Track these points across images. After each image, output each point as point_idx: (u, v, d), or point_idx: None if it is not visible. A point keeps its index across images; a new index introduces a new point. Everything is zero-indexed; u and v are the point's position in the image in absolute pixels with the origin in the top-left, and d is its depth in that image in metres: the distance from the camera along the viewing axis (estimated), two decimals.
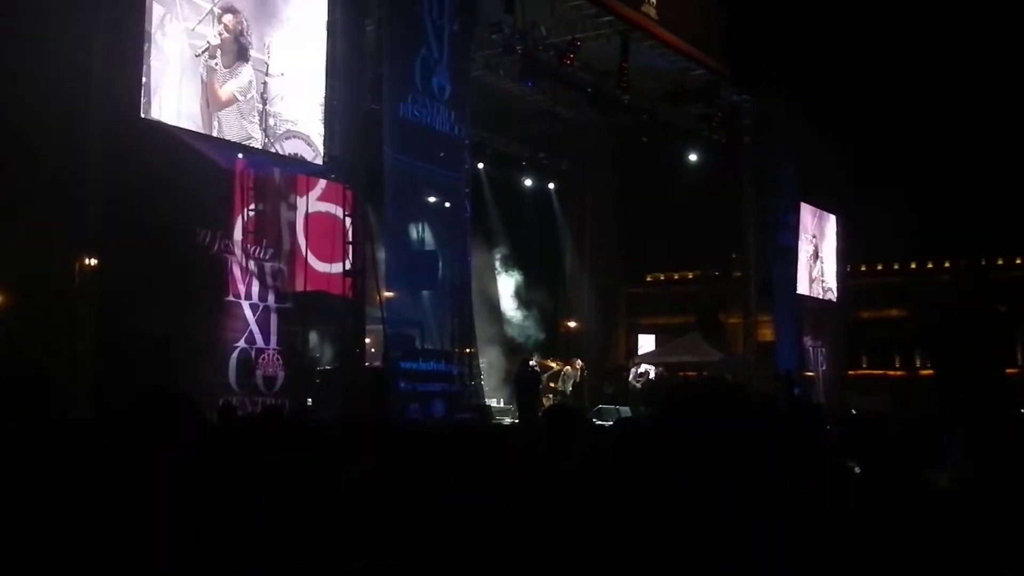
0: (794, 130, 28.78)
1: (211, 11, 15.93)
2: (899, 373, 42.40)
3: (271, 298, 17.21)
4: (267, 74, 16.89)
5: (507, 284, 29.25)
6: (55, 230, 14.72)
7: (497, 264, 29.06)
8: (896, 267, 43.25)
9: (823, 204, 31.97)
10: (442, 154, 19.38)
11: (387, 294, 18.51)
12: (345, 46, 18.15)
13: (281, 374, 17.12)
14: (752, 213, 29.63)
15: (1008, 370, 34.78)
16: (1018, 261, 40.98)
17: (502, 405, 23.13)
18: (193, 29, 15.67)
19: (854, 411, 18.81)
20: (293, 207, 18.19)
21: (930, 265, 42.52)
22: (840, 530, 2.86)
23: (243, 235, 16.91)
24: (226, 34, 16.26)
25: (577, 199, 31.41)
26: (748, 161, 29.42)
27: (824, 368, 31.51)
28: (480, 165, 26.46)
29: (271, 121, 17.01)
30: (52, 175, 14.45)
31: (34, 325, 14.20)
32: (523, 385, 21.68)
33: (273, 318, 17.22)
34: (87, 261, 15.20)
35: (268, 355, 17.01)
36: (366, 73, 18.66)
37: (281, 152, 17.30)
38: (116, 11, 14.84)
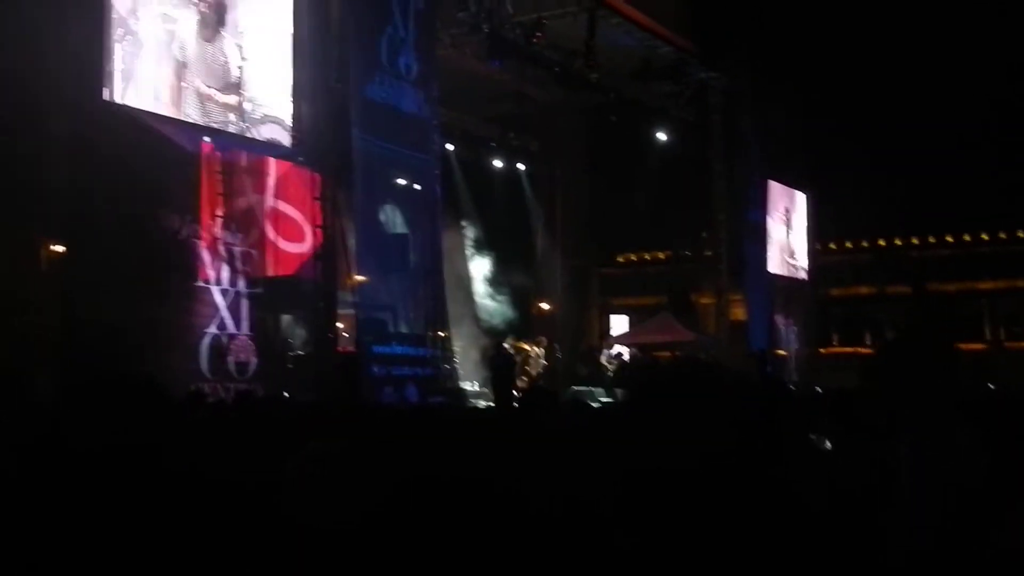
0: (762, 107, 28.78)
1: None
2: (868, 350, 42.61)
3: (241, 283, 17.03)
4: (242, 57, 16.70)
5: (479, 266, 29.13)
6: (19, 216, 14.48)
7: (468, 246, 28.94)
8: (865, 244, 43.39)
9: (792, 182, 32.01)
10: (411, 135, 19.20)
11: (358, 278, 18.35)
12: (311, 25, 17.95)
13: (254, 360, 16.96)
14: (722, 192, 29.69)
15: (975, 346, 35.06)
16: (984, 237, 41.27)
17: (477, 388, 23.03)
18: (166, 13, 15.46)
19: (819, 389, 18.95)
20: (261, 191, 17.98)
21: (898, 242, 42.71)
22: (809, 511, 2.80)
23: (211, 219, 16.71)
24: (200, 17, 16.07)
25: (547, 179, 31.31)
26: (716, 139, 29.44)
27: (796, 346, 31.62)
28: (449, 146, 26.29)
29: (247, 106, 16.83)
30: (14, 161, 14.19)
31: None
32: (498, 368, 21.61)
33: (244, 303, 17.04)
34: (52, 247, 14.97)
35: (239, 341, 16.84)
36: (332, 53, 18.45)
37: (258, 137, 17.14)
38: None
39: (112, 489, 3.20)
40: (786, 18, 29.22)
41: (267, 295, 17.55)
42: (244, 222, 17.41)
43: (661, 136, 29.02)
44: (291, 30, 17.69)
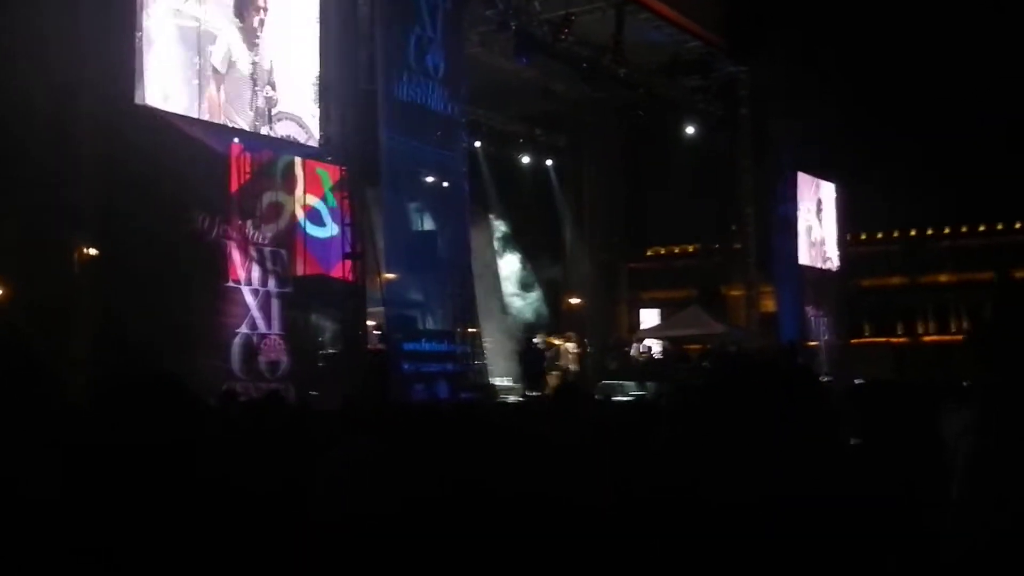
0: (790, 100, 28.65)
1: None
2: (902, 340, 42.33)
3: (271, 282, 17.16)
4: (259, 55, 16.80)
5: (508, 262, 29.19)
6: (53, 219, 14.65)
7: (497, 243, 28.98)
8: (896, 235, 43.07)
9: (821, 173, 31.85)
10: (438, 133, 19.27)
11: (387, 276, 18.43)
12: (338, 24, 18.05)
13: (284, 359, 17.08)
14: (750, 184, 29.60)
15: None
16: (1017, 226, 40.90)
17: (507, 384, 23.08)
18: (179, 9, 15.55)
19: (857, 381, 18.84)
20: (290, 190, 18.11)
21: (930, 232, 42.37)
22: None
23: (241, 220, 16.85)
24: (216, 14, 16.16)
25: (575, 175, 31.29)
26: (745, 132, 29.34)
27: (827, 337, 31.48)
28: (477, 143, 26.36)
29: (262, 103, 16.93)
30: (48, 164, 14.37)
31: (33, 315, 14.13)
32: (528, 363, 21.66)
33: (274, 303, 17.16)
34: (85, 250, 15.13)
35: (270, 340, 16.97)
36: (359, 52, 18.54)
37: (273, 135, 17.23)
38: None
39: (145, 491, 3.27)
40: (814, 9, 29.03)
41: (297, 294, 17.66)
42: (273, 221, 17.53)
43: (689, 130, 28.99)
44: (316, 28, 17.77)
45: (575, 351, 25.51)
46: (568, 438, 5.24)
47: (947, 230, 42.24)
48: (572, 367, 25.08)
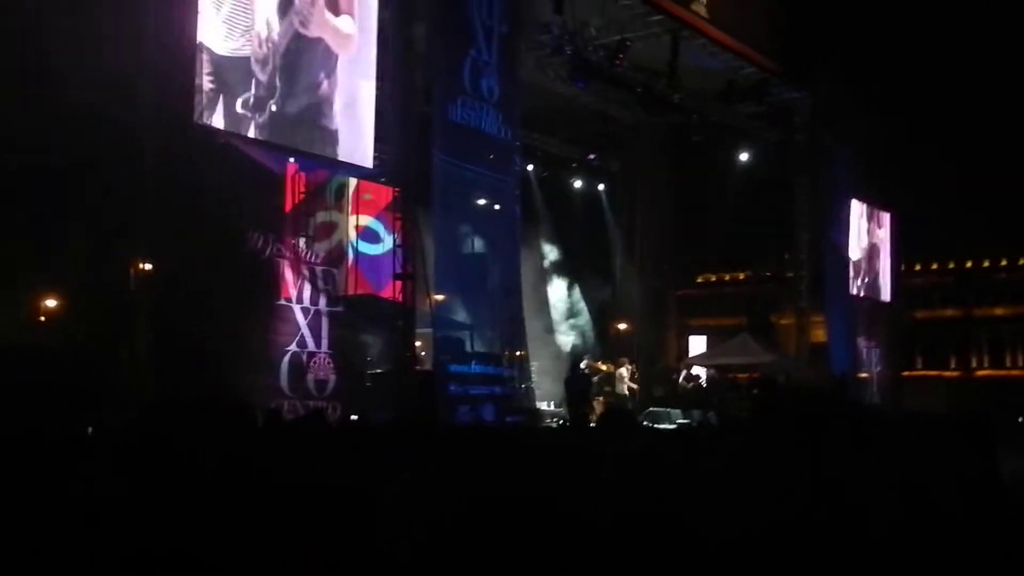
0: (847, 127, 28.46)
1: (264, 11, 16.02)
2: (955, 374, 41.79)
3: (322, 301, 17.29)
4: (319, 76, 16.95)
5: (557, 286, 29.20)
6: (111, 235, 14.89)
7: (547, 266, 29.00)
8: (951, 266, 42.58)
9: (877, 202, 31.55)
10: (491, 156, 19.32)
11: (437, 297, 18.49)
12: (394, 47, 18.19)
13: (332, 378, 17.18)
14: (804, 212, 29.38)
15: None
16: None
17: (553, 408, 23.06)
18: (255, 36, 15.71)
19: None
20: (343, 210, 18.26)
21: (986, 264, 41.84)
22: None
23: (294, 239, 17.01)
24: (289, 39, 16.32)
25: (627, 200, 31.22)
26: (800, 159, 29.16)
27: (879, 369, 31.12)
28: (529, 167, 26.43)
29: (323, 122, 17.06)
30: (107, 180, 14.61)
31: (91, 329, 14.37)
32: (574, 388, 21.60)
33: (324, 321, 17.29)
34: (142, 265, 15.35)
35: (319, 359, 17.08)
36: (415, 75, 18.68)
37: (330, 156, 17.36)
38: (166, 15, 14.92)
39: (198, 503, 3.33)
40: (873, 37, 28.89)
41: (347, 313, 17.78)
42: (325, 240, 17.68)
43: (743, 156, 28.87)
44: (374, 50, 17.91)
45: (630, 376, 25.43)
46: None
47: (1004, 262, 41.70)
48: (626, 392, 25.01)
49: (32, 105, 14.11)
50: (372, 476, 4.57)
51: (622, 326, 30.67)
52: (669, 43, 23.56)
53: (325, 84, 17.08)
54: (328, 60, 17.14)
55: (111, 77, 13.80)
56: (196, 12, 14.87)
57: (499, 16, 19.19)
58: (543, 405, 22.28)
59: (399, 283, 18.07)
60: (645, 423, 19.45)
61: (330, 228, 17.88)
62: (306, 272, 17.08)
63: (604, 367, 25.92)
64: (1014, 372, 40.78)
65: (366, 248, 18.56)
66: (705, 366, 29.53)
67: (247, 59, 15.74)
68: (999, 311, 41.98)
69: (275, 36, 16.20)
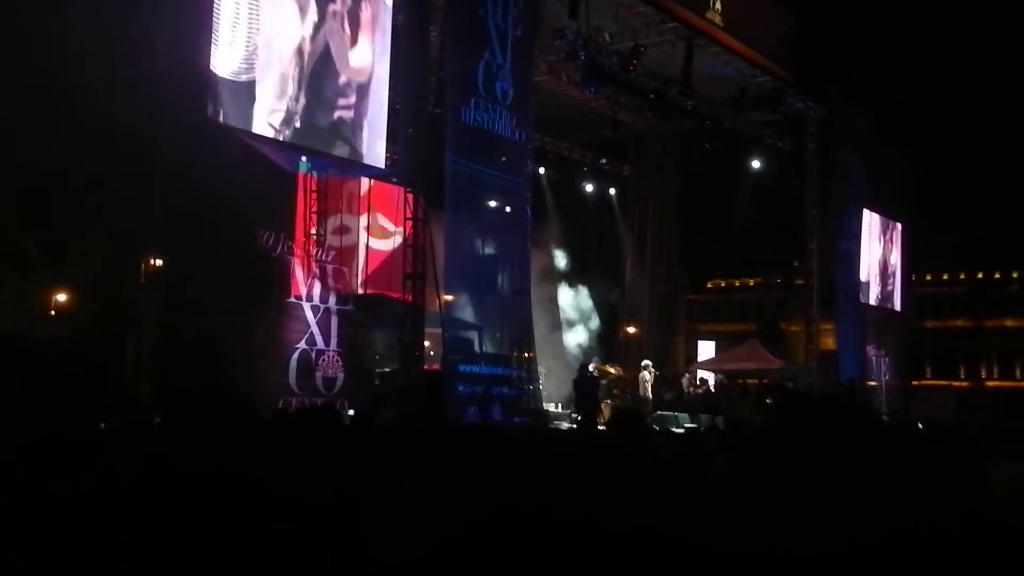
0: (859, 137, 28.47)
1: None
2: (964, 384, 41.74)
3: (332, 300, 17.35)
4: (338, 76, 17.04)
5: (567, 289, 29.24)
6: (121, 231, 14.98)
7: (557, 269, 29.06)
8: (962, 276, 42.54)
9: (888, 212, 31.54)
10: (504, 159, 19.40)
11: (446, 297, 18.56)
12: (409, 49, 18.27)
13: (341, 376, 17.24)
14: (815, 220, 29.37)
15: None
16: None
17: (560, 410, 23.11)
18: (256, 29, 15.79)
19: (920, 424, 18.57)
20: (354, 210, 18.34)
21: (997, 275, 41.79)
22: None
23: (305, 237, 17.08)
24: (291, 33, 16.40)
25: (638, 204, 31.27)
26: (811, 168, 29.16)
27: (887, 378, 31.09)
28: (541, 170, 26.50)
29: (337, 120, 17.13)
30: (118, 176, 14.70)
31: (99, 323, 14.46)
32: (582, 390, 21.64)
33: (333, 320, 17.34)
34: (152, 261, 15.43)
35: (328, 356, 17.14)
36: (429, 77, 18.76)
37: (342, 155, 17.44)
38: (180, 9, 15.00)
39: (206, 505, 3.38)
40: (885, 48, 28.90)
41: (356, 312, 17.84)
42: (336, 239, 17.76)
43: (754, 164, 28.89)
44: (388, 52, 17.98)
45: (651, 379, 25.49)
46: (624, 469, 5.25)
47: (1015, 274, 41.63)
48: (650, 395, 25.06)
49: (46, 104, 14.23)
50: (382, 475, 4.62)
51: (631, 329, 30.71)
52: (683, 50, 23.61)
53: (341, 87, 17.16)
54: (344, 63, 17.23)
55: (122, 70, 13.89)
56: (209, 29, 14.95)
57: (514, 20, 19.28)
58: (550, 407, 22.32)
59: (409, 283, 18.14)
60: (654, 427, 19.48)
61: (341, 227, 17.96)
62: (316, 270, 17.16)
63: (613, 370, 25.96)
64: None
65: (377, 247, 18.62)
66: (714, 371, 29.56)
67: (267, 55, 15.85)
68: (1009, 322, 41.94)
69: (297, 44, 16.29)
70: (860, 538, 2.59)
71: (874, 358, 30.67)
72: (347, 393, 17.02)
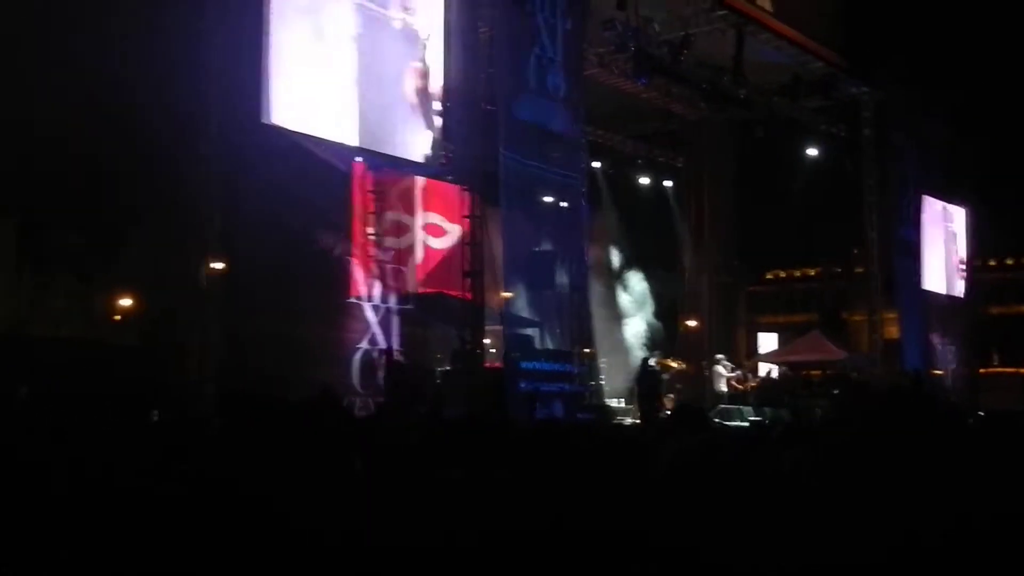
0: (917, 121, 28.00)
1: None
2: None
3: (392, 299, 17.39)
4: (385, 72, 17.04)
5: (626, 283, 29.06)
6: (183, 234, 15.09)
7: (615, 263, 28.89)
8: None
9: (949, 196, 30.98)
10: (558, 154, 19.31)
11: (505, 294, 18.51)
12: (459, 46, 18.24)
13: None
14: (873, 207, 28.92)
15: None
16: None
17: (622, 405, 22.95)
18: (326, 40, 15.82)
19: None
20: (411, 209, 18.34)
21: None
22: None
23: (363, 237, 17.12)
24: (343, 34, 16.41)
25: (694, 196, 30.97)
26: (868, 154, 28.73)
27: (953, 366, 30.54)
28: (596, 164, 26.36)
29: (386, 119, 17.14)
30: (179, 181, 14.82)
31: (164, 326, 14.58)
32: (643, 385, 21.49)
33: (394, 319, 17.39)
34: (212, 265, 15.54)
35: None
36: (481, 73, 18.72)
37: (394, 153, 17.44)
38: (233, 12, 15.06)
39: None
40: (942, 30, 28.39)
41: (417, 311, 17.85)
42: (395, 239, 17.78)
43: (810, 151, 28.49)
44: (441, 49, 17.97)
45: (730, 372, 25.29)
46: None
47: None
48: (724, 389, 24.85)
49: (105, 108, 14.36)
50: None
51: (691, 323, 30.43)
52: (733, 38, 23.36)
53: (396, 85, 17.16)
54: (400, 63, 17.25)
55: (177, 74, 13.99)
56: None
57: (562, 13, 19.20)
58: (612, 402, 22.19)
59: (468, 281, 18.11)
60: (716, 420, 19.28)
61: (398, 226, 17.98)
62: (376, 270, 17.21)
63: (674, 364, 25.75)
64: None
65: (433, 245, 18.61)
66: (776, 363, 29.24)
67: (318, 55, 15.88)
68: None
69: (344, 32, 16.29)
70: (929, 540, 2.49)
71: (939, 346, 30.13)
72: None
